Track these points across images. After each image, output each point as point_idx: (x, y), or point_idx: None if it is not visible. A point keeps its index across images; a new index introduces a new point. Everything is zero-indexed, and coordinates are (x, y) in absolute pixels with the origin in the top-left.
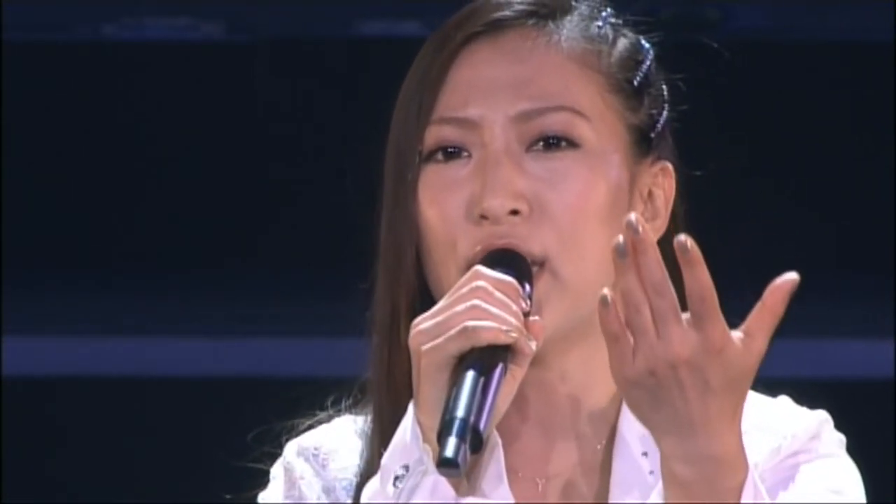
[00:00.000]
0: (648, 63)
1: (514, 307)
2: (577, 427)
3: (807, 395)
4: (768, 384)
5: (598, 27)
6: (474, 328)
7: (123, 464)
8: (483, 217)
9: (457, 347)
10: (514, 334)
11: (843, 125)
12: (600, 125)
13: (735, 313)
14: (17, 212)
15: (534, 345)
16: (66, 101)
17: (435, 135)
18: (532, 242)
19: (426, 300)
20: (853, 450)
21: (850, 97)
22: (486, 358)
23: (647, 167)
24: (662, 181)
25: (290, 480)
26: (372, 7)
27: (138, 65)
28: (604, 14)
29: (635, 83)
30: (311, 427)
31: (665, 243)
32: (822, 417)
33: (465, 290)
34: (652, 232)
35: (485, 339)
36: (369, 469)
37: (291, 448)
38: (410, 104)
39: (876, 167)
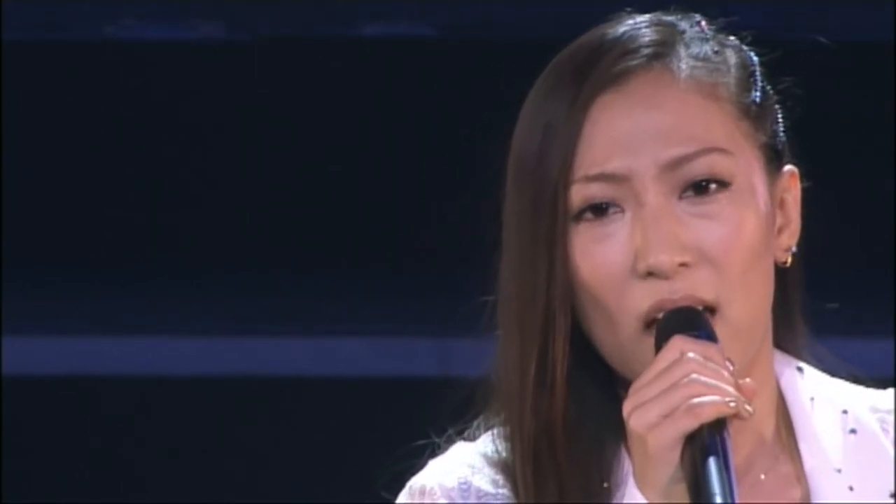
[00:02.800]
0: (759, 73)
1: (727, 374)
2: (747, 456)
3: None
4: None
5: (710, 48)
6: (700, 405)
7: (123, 464)
8: (650, 273)
9: (685, 427)
10: (734, 404)
11: (843, 125)
12: (741, 156)
13: None
14: (17, 212)
15: (750, 407)
16: (66, 101)
17: (581, 193)
18: (704, 291)
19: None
20: None
21: (850, 97)
22: (715, 433)
23: (781, 178)
24: (790, 185)
25: None
26: (372, 7)
27: (138, 65)
28: (708, 33)
29: (757, 101)
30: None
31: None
32: None
33: (674, 363)
34: (792, 238)
35: (712, 415)
36: None
37: (433, 488)
38: (544, 162)
39: (876, 167)
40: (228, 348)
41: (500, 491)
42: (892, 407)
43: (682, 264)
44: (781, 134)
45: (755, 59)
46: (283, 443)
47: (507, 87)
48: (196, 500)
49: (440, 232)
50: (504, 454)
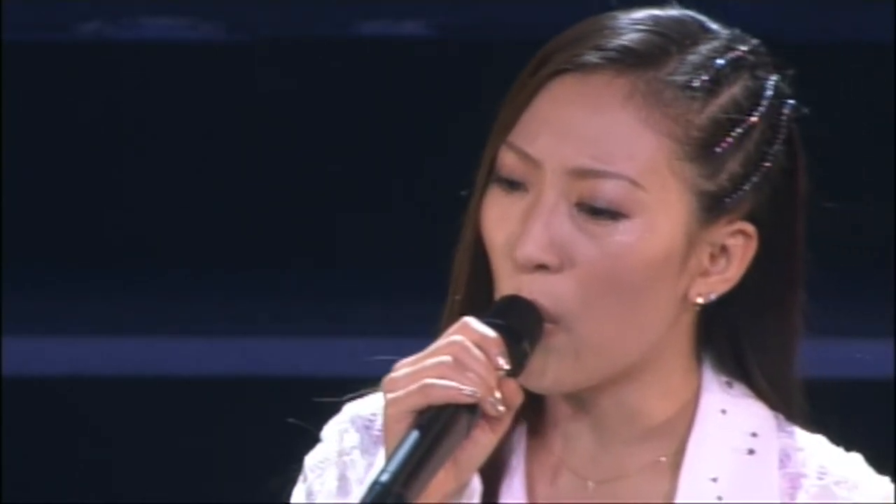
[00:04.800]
0: (753, 122)
1: (487, 366)
2: (633, 439)
3: (807, 395)
4: None
5: (701, 82)
6: (432, 386)
7: (124, 464)
8: (515, 262)
9: (413, 403)
10: (478, 394)
11: (843, 125)
12: (659, 196)
13: None
14: (17, 212)
15: (502, 408)
16: (66, 101)
17: (504, 160)
18: (550, 299)
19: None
20: (853, 450)
21: (850, 97)
22: (446, 417)
23: (719, 227)
24: (741, 240)
25: (338, 452)
26: (372, 7)
27: (138, 65)
28: (718, 63)
29: (718, 150)
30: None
31: (742, 291)
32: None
33: (443, 342)
34: (720, 284)
35: (440, 398)
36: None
37: (347, 412)
38: (500, 118)
39: (876, 167)
40: (228, 348)
41: None
42: (804, 447)
43: (543, 266)
44: (747, 187)
45: (764, 110)
46: (283, 443)
47: (507, 87)
48: (196, 499)
49: (440, 232)
50: None
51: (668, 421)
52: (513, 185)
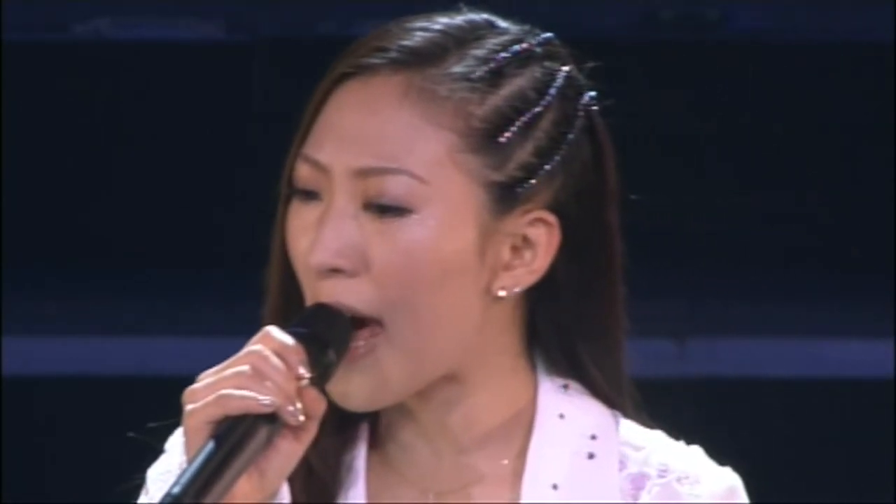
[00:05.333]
0: (538, 111)
1: (287, 375)
2: (470, 447)
3: (807, 395)
4: (768, 384)
5: (479, 73)
6: (228, 396)
7: (123, 464)
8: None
9: (210, 414)
10: (276, 404)
11: (844, 125)
12: (443, 189)
13: (733, 311)
14: (17, 212)
15: (303, 417)
16: (66, 101)
17: (299, 171)
18: (359, 302)
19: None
20: (853, 450)
21: (850, 97)
22: (241, 428)
23: (516, 218)
24: (543, 229)
25: (180, 464)
26: (372, 7)
27: (138, 65)
28: (500, 56)
29: (501, 140)
30: None
31: (558, 277)
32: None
33: (243, 352)
34: (525, 277)
35: (237, 409)
36: None
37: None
38: (299, 132)
39: (876, 167)
40: (228, 348)
41: None
42: (643, 445)
43: (336, 270)
44: (541, 175)
45: (551, 101)
46: None
47: None
48: None
49: None
50: None
51: (504, 427)
52: (309, 195)
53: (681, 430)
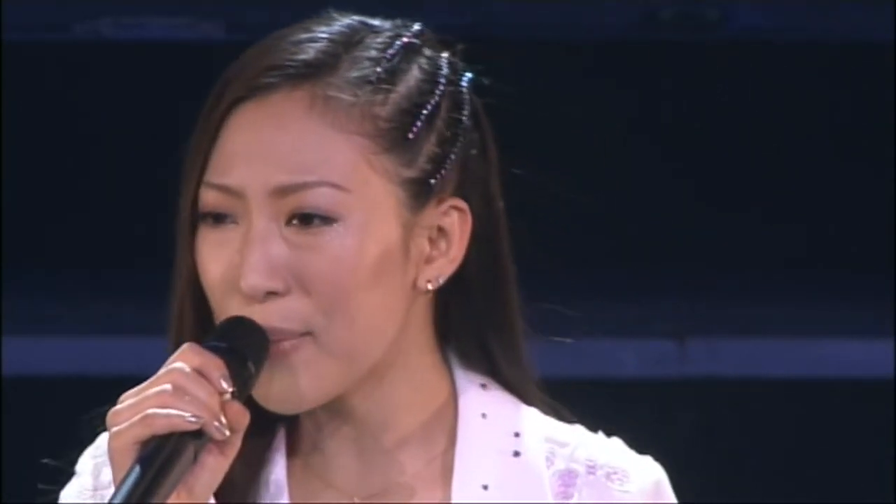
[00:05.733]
0: (436, 101)
1: (210, 391)
2: (393, 449)
3: (807, 395)
4: (768, 384)
5: (376, 74)
6: (153, 416)
7: None
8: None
9: (136, 435)
10: (202, 420)
11: (844, 125)
12: (364, 193)
13: (733, 311)
14: (17, 212)
15: (228, 431)
16: (66, 101)
17: (205, 198)
18: (289, 321)
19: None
20: (853, 450)
21: (850, 97)
22: (168, 446)
23: (432, 209)
24: (456, 215)
25: (93, 487)
26: (372, 7)
27: (138, 65)
28: (389, 52)
29: (410, 136)
30: None
31: (471, 268)
32: (659, 478)
33: (163, 371)
34: (446, 266)
35: (163, 428)
36: None
37: (102, 444)
38: (186, 162)
39: (876, 167)
40: None
41: None
42: (568, 441)
43: (272, 293)
44: (448, 165)
45: (443, 88)
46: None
47: (506, 86)
48: None
49: None
50: None
51: (426, 427)
52: (218, 219)
53: (681, 430)
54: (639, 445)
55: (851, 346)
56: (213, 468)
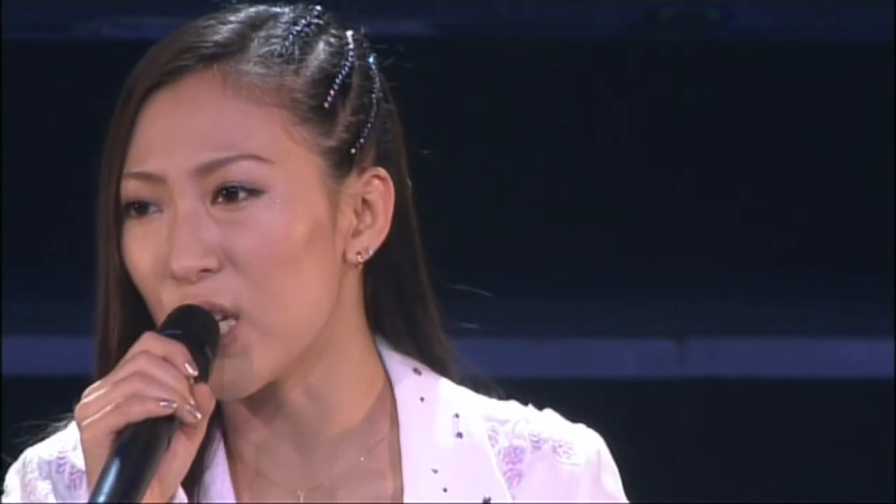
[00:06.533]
0: (347, 71)
1: (177, 376)
2: (336, 439)
3: (807, 395)
4: (768, 384)
5: (285, 48)
6: (128, 403)
7: None
8: (177, 277)
9: (112, 424)
10: (174, 405)
11: (844, 125)
12: (287, 164)
13: (733, 311)
14: (18, 212)
15: (199, 414)
16: (66, 101)
17: (126, 189)
18: (223, 298)
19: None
20: (853, 450)
21: (850, 97)
22: (146, 432)
23: (355, 180)
24: (378, 185)
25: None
26: (372, 7)
27: None
28: (295, 29)
29: (326, 105)
30: (51, 433)
31: (396, 242)
32: (600, 446)
33: (128, 360)
34: (374, 238)
35: (139, 415)
36: None
37: (31, 460)
38: (104, 159)
39: (876, 167)
40: None
41: None
42: (507, 417)
43: (205, 270)
44: (365, 134)
45: (351, 57)
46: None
47: (507, 86)
48: None
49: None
50: None
51: (368, 416)
52: (142, 209)
53: (681, 430)
54: (639, 445)
55: (851, 346)
56: (182, 455)
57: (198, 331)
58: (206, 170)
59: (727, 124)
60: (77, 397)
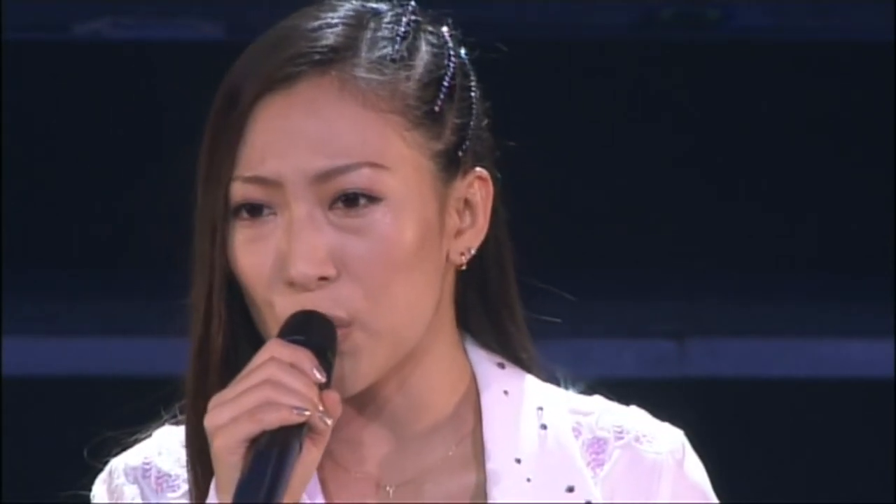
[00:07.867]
0: (452, 72)
1: (307, 382)
2: (425, 433)
3: (807, 395)
4: (768, 384)
5: (396, 51)
6: (262, 410)
7: None
8: (293, 283)
9: (246, 431)
10: (307, 413)
11: (844, 125)
12: (403, 170)
13: (733, 311)
14: (18, 212)
15: (329, 420)
16: (66, 101)
17: (239, 192)
18: (340, 310)
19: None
20: (853, 450)
21: (850, 97)
22: (279, 439)
23: (460, 181)
24: (479, 187)
25: None
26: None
27: (138, 65)
28: (400, 30)
29: (436, 109)
30: (136, 441)
31: (489, 243)
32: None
33: (256, 367)
34: (475, 237)
35: (274, 423)
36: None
37: (117, 468)
38: (211, 163)
39: (876, 167)
40: None
41: (182, 472)
42: (591, 410)
43: (323, 278)
44: (469, 136)
45: (453, 59)
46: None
47: (507, 86)
48: None
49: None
50: None
51: (455, 410)
52: (254, 212)
53: (681, 430)
54: None
55: (851, 346)
56: (309, 462)
57: (320, 337)
58: (325, 176)
59: (727, 124)
60: (77, 397)
